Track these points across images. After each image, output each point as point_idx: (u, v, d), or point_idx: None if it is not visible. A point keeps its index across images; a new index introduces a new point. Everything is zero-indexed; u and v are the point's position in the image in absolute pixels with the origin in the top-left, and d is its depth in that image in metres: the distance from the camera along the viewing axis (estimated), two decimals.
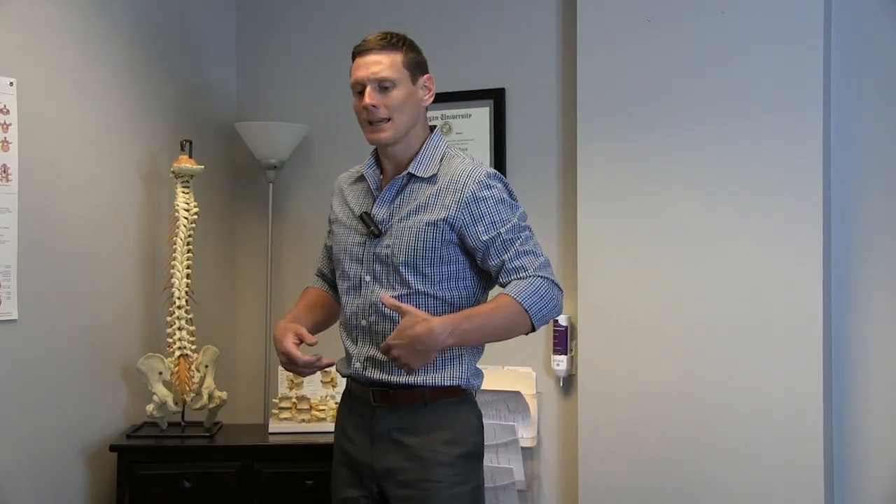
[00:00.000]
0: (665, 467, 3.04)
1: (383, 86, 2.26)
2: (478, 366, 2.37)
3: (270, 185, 3.63)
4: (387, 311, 2.26)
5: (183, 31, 3.61)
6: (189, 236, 3.27)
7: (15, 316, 2.83)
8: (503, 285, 2.25)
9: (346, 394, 2.44)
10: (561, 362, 3.26)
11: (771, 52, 2.94)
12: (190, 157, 3.33)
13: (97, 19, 3.17)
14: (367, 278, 2.31)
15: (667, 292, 3.06)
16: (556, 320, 3.24)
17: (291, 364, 2.30)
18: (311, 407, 3.31)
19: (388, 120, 2.27)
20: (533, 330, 2.22)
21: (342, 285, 2.40)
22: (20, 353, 2.86)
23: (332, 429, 3.19)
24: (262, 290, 3.69)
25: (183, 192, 3.28)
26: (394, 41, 2.29)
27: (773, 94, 2.93)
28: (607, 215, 3.16)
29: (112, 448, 3.08)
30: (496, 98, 3.40)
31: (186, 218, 3.26)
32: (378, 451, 2.30)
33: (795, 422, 2.88)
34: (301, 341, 2.30)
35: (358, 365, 2.33)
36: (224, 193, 3.78)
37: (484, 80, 3.43)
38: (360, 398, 2.35)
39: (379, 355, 2.26)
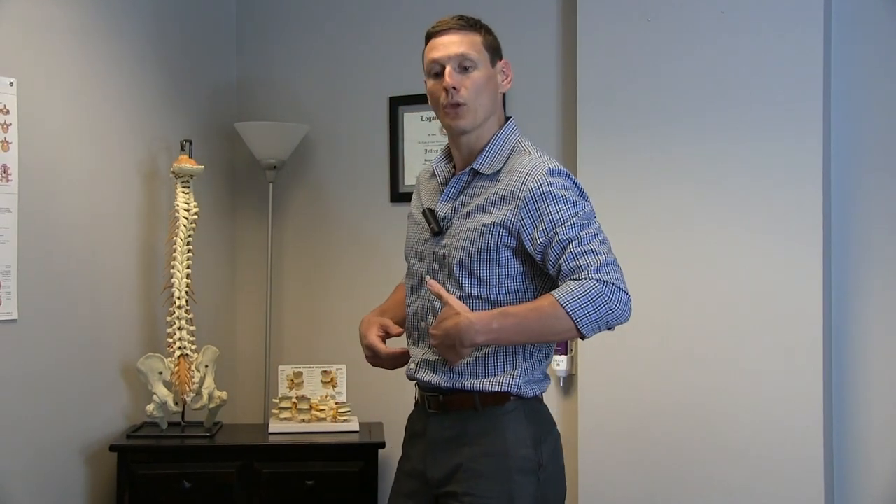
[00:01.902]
0: (665, 466, 3.04)
1: (464, 66, 2.13)
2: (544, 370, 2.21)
3: (270, 185, 3.62)
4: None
5: (183, 31, 3.61)
6: (189, 236, 3.27)
7: (15, 316, 2.83)
8: None
9: (415, 400, 2.33)
10: (561, 362, 3.26)
11: (771, 52, 2.94)
12: (190, 157, 3.33)
13: (97, 19, 3.17)
14: (427, 278, 2.18)
15: (667, 291, 3.06)
16: None
17: (375, 357, 2.25)
18: (311, 407, 3.31)
19: (467, 104, 2.13)
20: (583, 336, 2.02)
21: (407, 284, 2.30)
22: (20, 353, 2.86)
23: (332, 429, 3.26)
24: (262, 290, 3.69)
25: (183, 192, 3.28)
26: (471, 22, 2.18)
27: (772, 94, 2.93)
28: (607, 215, 3.09)
29: (112, 448, 3.08)
30: None
31: (186, 218, 3.26)
32: (431, 460, 2.18)
33: (795, 421, 2.88)
34: (387, 334, 2.25)
35: (412, 366, 2.23)
36: (224, 193, 3.78)
37: None
38: (420, 404, 2.26)
39: (431, 357, 2.17)
